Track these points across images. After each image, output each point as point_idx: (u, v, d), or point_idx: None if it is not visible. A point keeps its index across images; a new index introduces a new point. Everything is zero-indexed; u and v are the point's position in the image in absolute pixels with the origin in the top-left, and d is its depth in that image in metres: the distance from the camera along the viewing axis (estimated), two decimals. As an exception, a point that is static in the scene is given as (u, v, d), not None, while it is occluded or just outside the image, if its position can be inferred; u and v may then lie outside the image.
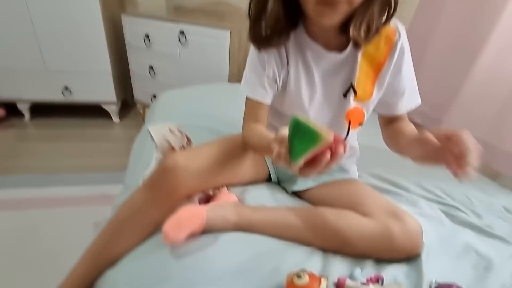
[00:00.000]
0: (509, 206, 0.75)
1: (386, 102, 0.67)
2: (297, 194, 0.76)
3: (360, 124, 0.68)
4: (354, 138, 0.75)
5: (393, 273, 0.52)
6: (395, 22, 0.60)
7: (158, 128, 0.73)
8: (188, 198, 0.63)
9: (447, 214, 0.71)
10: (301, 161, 0.33)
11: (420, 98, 0.68)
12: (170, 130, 0.73)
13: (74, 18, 1.74)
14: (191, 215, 0.52)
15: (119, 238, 0.57)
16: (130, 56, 2.00)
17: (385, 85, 0.63)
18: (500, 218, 0.72)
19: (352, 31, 0.53)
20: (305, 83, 0.64)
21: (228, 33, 1.45)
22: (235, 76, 1.59)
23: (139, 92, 2.12)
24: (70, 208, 1.30)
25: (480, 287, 0.52)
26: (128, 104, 2.43)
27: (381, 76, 0.62)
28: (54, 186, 1.43)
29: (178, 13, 2.13)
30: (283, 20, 0.57)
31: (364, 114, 0.67)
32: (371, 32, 0.55)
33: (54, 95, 1.96)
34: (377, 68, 0.62)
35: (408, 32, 1.36)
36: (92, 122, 2.12)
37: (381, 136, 0.72)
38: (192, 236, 0.53)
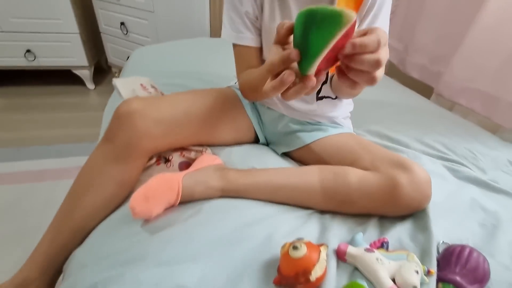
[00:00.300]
0: (514, 159, 0.71)
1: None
2: (288, 155, 0.69)
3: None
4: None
5: (398, 235, 0.47)
6: None
7: (127, 81, 0.62)
8: (167, 164, 0.55)
9: (450, 169, 0.66)
10: (323, 54, 0.25)
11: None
12: (142, 86, 0.62)
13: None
14: (163, 184, 0.44)
15: (81, 203, 0.50)
16: (98, 11, 1.78)
17: (367, 19, 0.54)
18: (505, 172, 0.68)
19: None
20: (280, 18, 0.55)
21: (206, -21, 1.27)
22: (218, 30, 1.43)
23: (113, 54, 1.93)
24: (48, 181, 1.21)
25: (488, 245, 0.48)
26: (102, 69, 2.23)
27: (363, 6, 0.53)
28: (25, 160, 1.32)
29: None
30: None
31: None
32: None
33: (16, 60, 1.75)
34: (357, 2, 0.52)
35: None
36: (64, 89, 1.94)
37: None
38: (169, 209, 0.45)
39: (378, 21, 0.54)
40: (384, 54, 0.28)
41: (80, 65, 1.88)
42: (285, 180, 0.52)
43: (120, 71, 1.91)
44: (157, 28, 1.58)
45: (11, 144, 1.41)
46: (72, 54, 1.81)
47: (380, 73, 0.30)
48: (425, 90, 1.21)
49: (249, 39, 0.57)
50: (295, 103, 0.65)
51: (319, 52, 0.25)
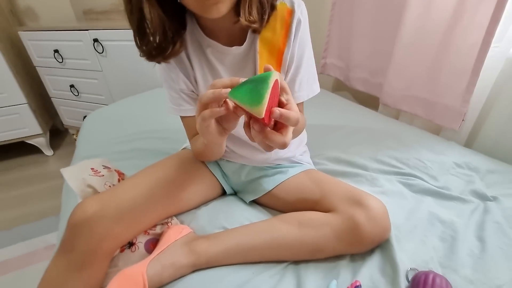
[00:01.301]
0: (458, 161, 0.77)
1: None
2: (256, 202, 0.70)
3: None
4: None
5: (369, 272, 0.49)
6: (291, 1, 0.54)
7: (76, 170, 0.60)
8: (131, 248, 0.53)
9: (406, 184, 0.70)
10: (266, 100, 0.31)
11: (318, 86, 0.62)
12: (93, 170, 0.61)
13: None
14: (126, 283, 0.43)
15: None
16: (44, 78, 1.73)
17: (290, 71, 0.57)
18: (453, 175, 0.73)
19: (243, 17, 0.47)
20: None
21: (149, 34, 1.29)
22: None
23: (68, 116, 1.87)
24: (12, 272, 1.11)
25: (451, 261, 0.51)
26: (59, 131, 2.14)
27: (283, 62, 0.56)
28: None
29: (89, 17, 1.87)
30: (170, 25, 0.49)
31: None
32: (266, 11, 0.49)
33: (-41, 142, 1.64)
34: (279, 55, 0.56)
35: (334, 2, 1.31)
36: (20, 161, 1.84)
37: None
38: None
39: (302, 70, 0.57)
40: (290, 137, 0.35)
41: (34, 134, 1.79)
42: (254, 241, 0.53)
43: (77, 131, 1.85)
44: (108, 85, 1.56)
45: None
46: (23, 125, 1.73)
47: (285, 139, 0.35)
48: (373, 100, 1.30)
49: (189, 110, 0.59)
50: (250, 154, 0.66)
51: (265, 94, 0.32)
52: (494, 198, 0.64)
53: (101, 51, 1.43)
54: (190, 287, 0.48)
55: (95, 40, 1.41)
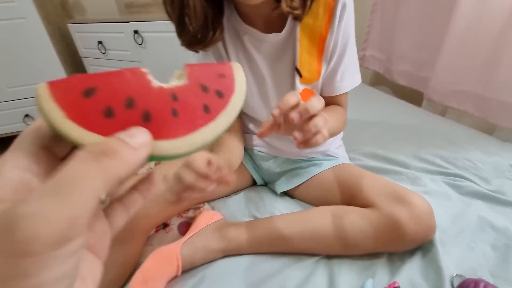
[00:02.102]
0: (516, 163, 0.69)
1: (325, 81, 0.57)
2: (287, 193, 0.68)
3: None
4: None
5: (409, 275, 0.45)
6: None
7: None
8: (166, 229, 0.55)
9: (452, 186, 0.64)
10: None
11: (360, 77, 0.59)
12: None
13: (18, 40, 1.58)
14: (160, 262, 0.44)
15: None
16: (88, 68, 1.85)
17: (332, 60, 0.54)
18: (509, 179, 0.66)
19: (284, 3, 0.44)
20: (250, 74, 0.57)
21: (186, 25, 1.31)
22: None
23: (108, 105, 1.98)
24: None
25: (504, 271, 0.46)
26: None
27: (326, 49, 0.53)
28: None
29: (131, 10, 1.96)
30: (210, 12, 0.48)
31: (313, 94, 0.58)
32: None
33: (15, 126, 1.81)
34: (320, 43, 0.52)
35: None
36: (65, 145, 1.99)
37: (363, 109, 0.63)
38: (172, 281, 0.45)
39: (345, 58, 0.54)
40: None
41: (78, 120, 1.93)
42: (286, 231, 0.51)
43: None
44: (146, 76, 1.63)
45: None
46: (69, 111, 1.87)
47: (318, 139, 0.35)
48: (416, 95, 1.21)
49: None
50: (286, 146, 0.65)
51: None
52: (559, 207, 0.56)
53: (140, 42, 1.49)
54: (220, 271, 0.48)
55: (135, 32, 1.47)
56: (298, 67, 0.53)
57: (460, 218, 0.56)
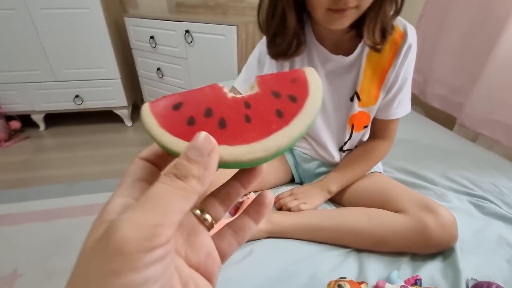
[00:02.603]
0: (540, 193, 0.74)
1: (381, 106, 0.65)
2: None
3: (365, 126, 0.68)
4: (365, 136, 0.73)
5: (430, 272, 0.52)
6: (404, 24, 0.57)
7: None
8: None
9: (476, 206, 0.70)
10: None
11: (410, 106, 0.66)
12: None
13: (79, 28, 1.75)
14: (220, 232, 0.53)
15: None
16: (136, 59, 2.00)
17: (392, 90, 0.62)
18: (532, 206, 0.71)
19: (366, 36, 0.52)
20: None
21: (235, 29, 1.42)
22: (244, 72, 1.57)
23: (149, 95, 2.14)
24: (95, 215, 1.34)
25: (518, 282, 0.51)
26: (138, 107, 2.45)
27: (386, 80, 0.61)
28: (75, 195, 1.47)
29: (180, 9, 2.10)
30: (301, 33, 0.56)
31: (369, 117, 0.66)
32: (387, 33, 0.53)
33: (66, 105, 1.99)
34: (382, 74, 0.60)
35: (422, 14, 1.29)
36: (105, 127, 2.16)
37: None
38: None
39: (403, 91, 0.61)
40: None
41: (120, 106, 2.09)
42: (324, 222, 0.59)
43: (154, 109, 2.10)
44: (189, 72, 1.75)
45: (63, 180, 1.58)
46: (114, 97, 2.03)
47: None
48: (448, 119, 1.25)
49: None
50: (326, 154, 0.72)
51: None
52: None
53: (190, 41, 1.62)
54: (265, 248, 0.57)
55: (187, 31, 1.59)
56: (358, 92, 0.61)
57: (480, 233, 0.62)
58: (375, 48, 0.55)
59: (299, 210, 0.61)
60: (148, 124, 0.19)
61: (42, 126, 2.08)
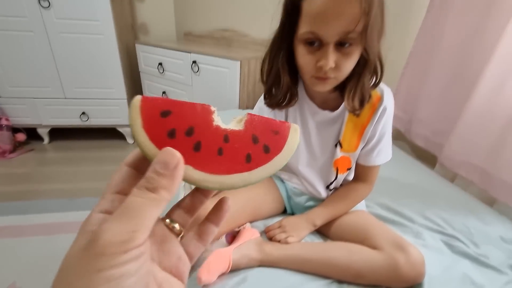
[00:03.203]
0: (505, 235, 0.82)
1: (362, 154, 0.75)
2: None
3: (348, 168, 0.78)
4: (350, 175, 0.82)
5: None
6: (381, 87, 0.68)
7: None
8: (217, 237, 0.72)
9: (447, 244, 0.78)
10: None
11: (391, 153, 0.75)
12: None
13: (93, 51, 1.87)
14: (219, 259, 0.61)
15: None
16: (144, 82, 2.12)
17: (370, 143, 0.72)
18: (496, 248, 0.79)
19: (347, 103, 0.62)
20: (302, 133, 0.75)
21: (238, 63, 1.55)
22: (245, 102, 1.68)
23: (152, 115, 2.23)
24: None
25: (476, 317, 0.59)
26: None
27: (365, 134, 0.71)
28: (76, 211, 1.51)
29: (188, 38, 2.25)
30: (292, 88, 0.67)
31: (350, 161, 0.76)
32: (365, 101, 0.63)
33: (72, 120, 2.08)
34: (361, 129, 0.71)
35: (408, 62, 1.42)
36: (108, 143, 2.23)
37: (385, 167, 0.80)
38: (222, 276, 0.61)
39: (381, 143, 0.71)
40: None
41: (124, 124, 2.18)
42: (310, 255, 0.67)
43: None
44: (193, 98, 1.87)
45: (64, 195, 1.64)
46: (119, 115, 2.13)
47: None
48: (431, 156, 1.36)
49: None
50: (315, 191, 0.81)
51: None
52: (533, 277, 0.69)
53: (196, 71, 1.74)
54: (257, 276, 0.64)
55: (194, 62, 1.72)
56: (341, 141, 0.72)
57: (448, 270, 0.70)
58: (353, 113, 0.65)
59: (287, 243, 0.69)
60: (132, 119, 0.20)
61: (46, 139, 2.15)
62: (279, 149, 0.22)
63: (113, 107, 2.09)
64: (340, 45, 0.54)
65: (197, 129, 0.21)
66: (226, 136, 0.22)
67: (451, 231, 0.83)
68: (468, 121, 1.11)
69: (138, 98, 0.21)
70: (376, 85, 0.64)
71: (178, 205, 0.24)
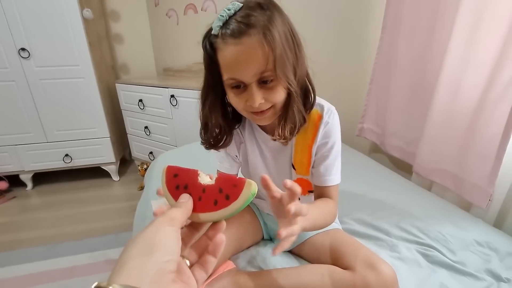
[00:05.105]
0: (480, 239, 0.83)
1: (314, 173, 0.76)
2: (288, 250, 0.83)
3: (310, 191, 0.79)
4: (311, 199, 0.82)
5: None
6: (322, 105, 0.70)
7: (161, 203, 0.82)
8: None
9: (423, 254, 0.78)
10: None
11: (340, 177, 0.75)
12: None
13: (73, 93, 1.91)
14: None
15: None
16: (126, 119, 2.15)
17: (316, 160, 0.73)
18: (472, 252, 0.79)
19: (276, 133, 0.63)
20: (260, 157, 0.78)
21: (214, 94, 1.59)
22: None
23: (137, 150, 2.24)
24: (75, 278, 1.34)
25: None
26: (126, 160, 2.54)
27: (312, 153, 0.73)
28: (57, 257, 1.46)
29: (167, 73, 2.32)
30: (225, 126, 0.69)
31: (309, 183, 0.77)
32: (296, 128, 0.65)
33: (55, 163, 2.07)
34: (309, 149, 0.73)
35: (372, 78, 1.49)
36: (92, 182, 2.21)
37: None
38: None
39: (328, 160, 0.71)
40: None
41: (108, 162, 2.18)
42: (283, 282, 0.66)
43: (141, 163, 2.20)
44: (174, 130, 1.89)
45: (47, 241, 1.59)
46: (102, 154, 2.13)
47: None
48: (408, 165, 1.39)
49: (225, 168, 0.80)
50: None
51: None
52: (508, 280, 0.69)
53: (174, 104, 1.78)
54: (231, 309, 0.62)
55: (172, 96, 1.77)
56: (293, 163, 0.74)
57: (425, 283, 0.69)
58: (283, 142, 0.65)
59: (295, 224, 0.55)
60: (162, 181, 0.38)
61: (29, 185, 2.12)
62: (235, 198, 0.34)
63: (97, 146, 2.09)
64: (263, 82, 0.58)
65: (189, 185, 0.36)
66: (204, 189, 0.35)
67: (427, 240, 0.83)
68: (433, 129, 1.16)
69: (166, 167, 0.38)
70: (312, 106, 0.67)
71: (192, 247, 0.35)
